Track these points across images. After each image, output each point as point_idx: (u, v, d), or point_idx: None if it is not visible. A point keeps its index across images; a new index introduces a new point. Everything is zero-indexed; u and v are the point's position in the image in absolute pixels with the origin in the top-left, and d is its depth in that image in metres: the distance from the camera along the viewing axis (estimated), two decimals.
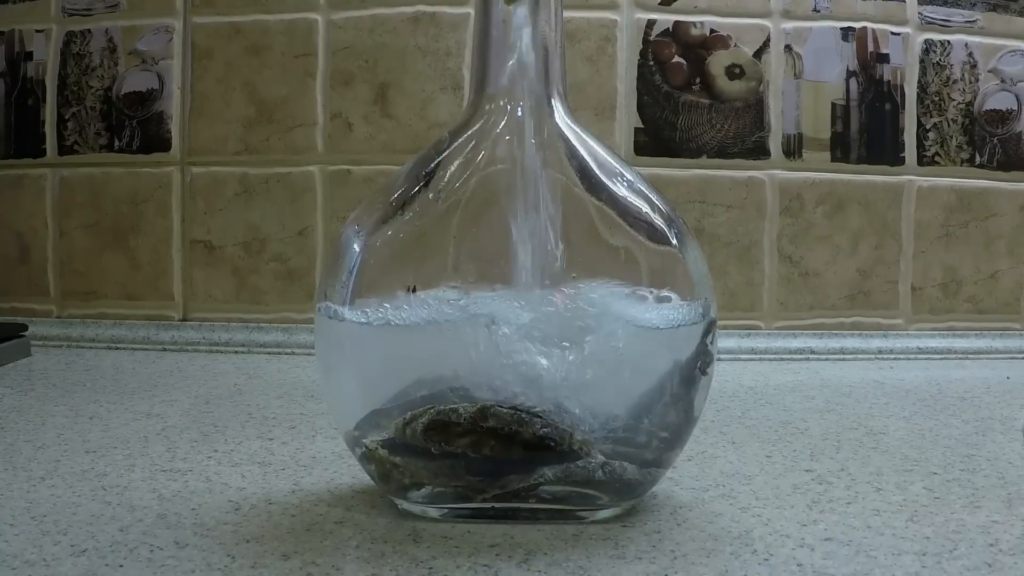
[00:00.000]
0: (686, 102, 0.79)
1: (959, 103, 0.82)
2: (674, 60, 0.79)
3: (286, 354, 0.75)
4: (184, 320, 0.80)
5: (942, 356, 0.79)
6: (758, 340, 0.78)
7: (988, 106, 0.82)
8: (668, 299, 0.35)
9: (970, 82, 0.82)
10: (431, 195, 0.36)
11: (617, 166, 0.37)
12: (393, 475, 0.35)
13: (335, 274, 0.36)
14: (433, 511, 0.35)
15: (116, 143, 0.80)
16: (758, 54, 0.79)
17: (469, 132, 0.37)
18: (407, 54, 0.78)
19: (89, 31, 0.80)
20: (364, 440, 0.35)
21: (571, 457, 0.34)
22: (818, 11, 0.80)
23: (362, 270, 0.35)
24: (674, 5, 0.79)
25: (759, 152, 0.80)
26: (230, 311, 0.79)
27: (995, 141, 0.82)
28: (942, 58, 0.81)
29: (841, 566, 0.31)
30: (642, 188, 0.37)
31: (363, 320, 0.34)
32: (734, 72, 0.79)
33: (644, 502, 0.37)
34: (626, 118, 0.79)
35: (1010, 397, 0.62)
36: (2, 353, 0.68)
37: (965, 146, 0.82)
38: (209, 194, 0.79)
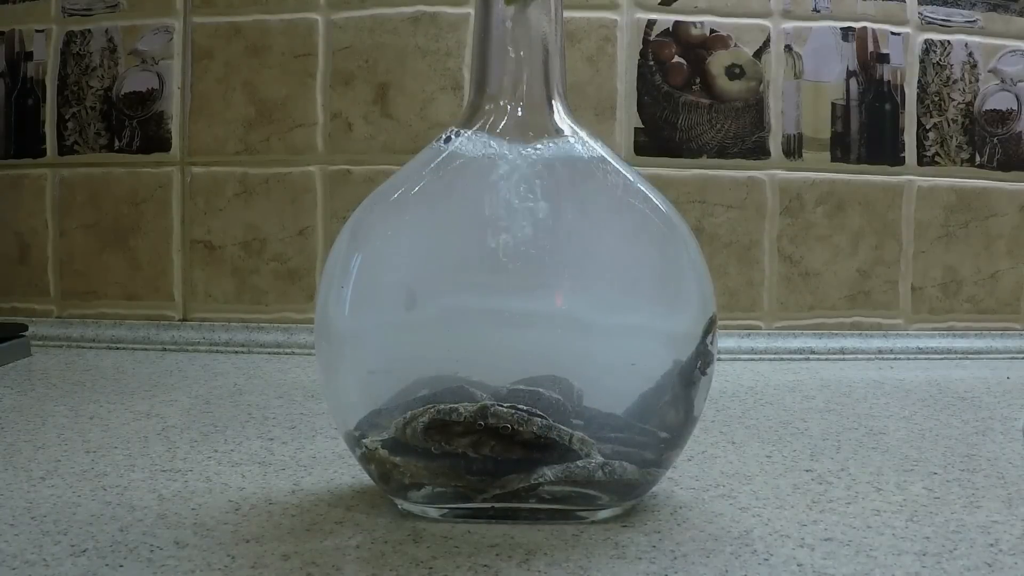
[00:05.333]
0: (686, 102, 0.79)
1: (959, 103, 0.82)
2: (674, 60, 0.79)
3: (286, 354, 0.75)
4: (184, 320, 0.80)
5: (942, 356, 0.79)
6: (758, 340, 0.78)
7: (988, 106, 0.82)
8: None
9: (970, 82, 0.82)
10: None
11: (617, 166, 0.37)
12: (393, 475, 0.35)
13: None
14: (433, 511, 0.35)
15: (116, 143, 0.80)
16: (758, 54, 0.79)
17: (469, 132, 0.37)
18: (407, 54, 0.78)
19: (89, 31, 0.80)
20: (364, 440, 0.35)
21: (571, 457, 0.34)
22: (818, 11, 0.80)
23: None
24: (674, 5, 0.79)
25: (759, 152, 0.80)
26: (230, 311, 0.79)
27: (995, 141, 0.82)
28: (942, 58, 0.81)
29: (841, 566, 0.31)
30: (641, 188, 0.37)
31: None
32: (734, 72, 0.79)
33: (644, 502, 0.37)
34: (626, 118, 0.79)
35: (1010, 397, 0.62)
36: (2, 353, 0.68)
37: (965, 146, 0.82)
38: (209, 194, 0.79)
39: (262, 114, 0.79)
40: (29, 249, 0.81)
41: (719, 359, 0.42)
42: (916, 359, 0.78)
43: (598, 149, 0.37)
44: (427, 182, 0.36)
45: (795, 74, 0.80)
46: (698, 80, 0.79)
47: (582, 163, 0.37)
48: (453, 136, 0.37)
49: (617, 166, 0.37)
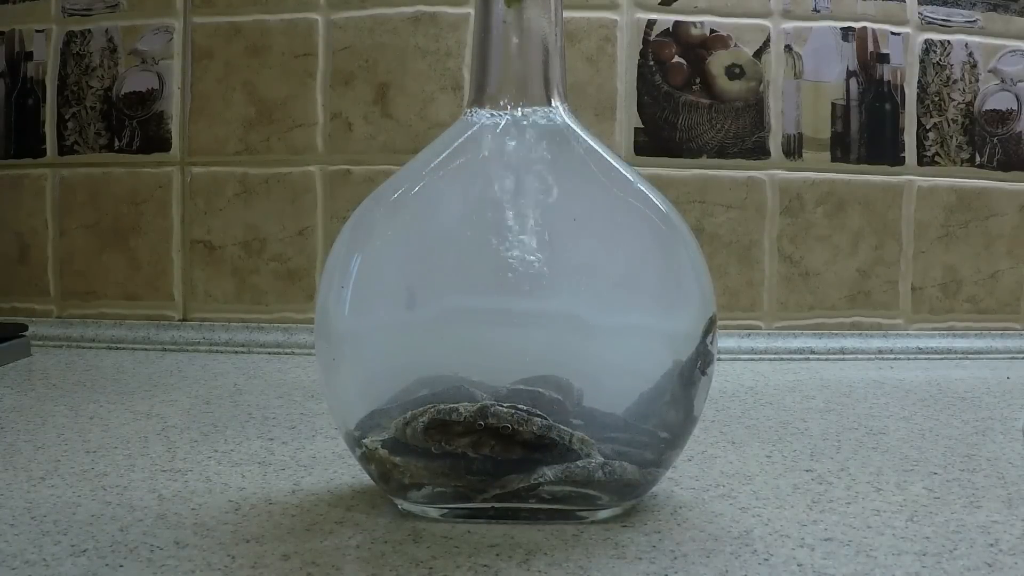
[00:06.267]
0: (686, 102, 0.79)
1: (959, 103, 0.82)
2: (674, 60, 0.79)
3: (286, 354, 0.75)
4: (184, 320, 0.80)
5: (942, 356, 0.79)
6: (758, 340, 0.78)
7: (988, 106, 0.82)
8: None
9: (970, 82, 0.82)
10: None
11: (616, 166, 0.37)
12: (393, 475, 0.35)
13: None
14: (433, 511, 0.35)
15: (116, 143, 0.80)
16: (758, 54, 0.79)
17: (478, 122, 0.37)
18: (407, 54, 0.78)
19: (89, 31, 0.80)
20: (364, 440, 0.35)
21: (571, 457, 0.34)
22: (818, 11, 0.80)
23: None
24: (674, 5, 0.79)
25: (759, 152, 0.80)
26: (230, 311, 0.79)
27: (995, 141, 0.82)
28: (942, 58, 0.81)
29: (841, 566, 0.31)
30: (641, 188, 0.37)
31: None
32: (734, 72, 0.79)
33: (644, 502, 0.37)
34: (626, 118, 0.79)
35: (1010, 397, 0.62)
36: (2, 353, 0.68)
37: (965, 146, 0.82)
38: (209, 194, 0.79)
39: (262, 114, 0.79)
40: (29, 249, 0.81)
41: (719, 359, 0.42)
42: (916, 359, 0.78)
43: (598, 149, 0.37)
44: (427, 182, 0.36)
45: (795, 74, 0.80)
46: (698, 80, 0.79)
47: (580, 163, 0.37)
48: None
49: (617, 166, 0.37)
